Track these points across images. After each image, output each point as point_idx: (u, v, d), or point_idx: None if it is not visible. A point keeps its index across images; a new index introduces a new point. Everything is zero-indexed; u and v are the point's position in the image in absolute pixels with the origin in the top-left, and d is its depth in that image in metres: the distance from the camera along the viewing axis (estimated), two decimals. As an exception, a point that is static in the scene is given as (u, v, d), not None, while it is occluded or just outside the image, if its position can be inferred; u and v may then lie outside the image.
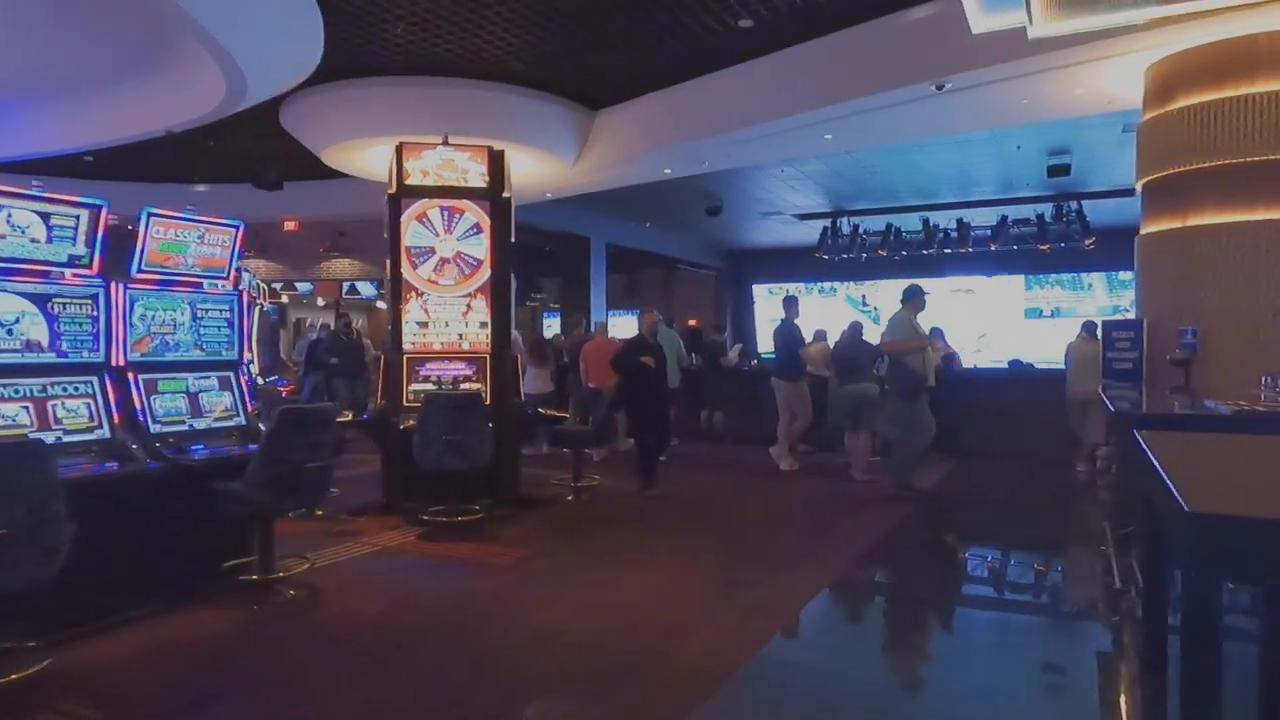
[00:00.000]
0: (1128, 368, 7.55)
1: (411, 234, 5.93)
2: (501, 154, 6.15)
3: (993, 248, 15.92)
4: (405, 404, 5.82)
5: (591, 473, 7.49)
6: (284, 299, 17.02)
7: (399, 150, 5.92)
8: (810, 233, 17.53)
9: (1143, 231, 7.96)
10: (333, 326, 12.77)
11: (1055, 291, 19.64)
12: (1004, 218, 15.70)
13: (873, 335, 8.62)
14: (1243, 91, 6.93)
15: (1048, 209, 15.39)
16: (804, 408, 8.17)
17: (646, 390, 6.89)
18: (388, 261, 6.09)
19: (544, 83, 9.85)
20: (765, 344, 20.19)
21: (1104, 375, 7.79)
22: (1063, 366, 8.56)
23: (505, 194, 6.14)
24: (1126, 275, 19.06)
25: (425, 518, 5.67)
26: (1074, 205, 15.22)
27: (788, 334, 8.09)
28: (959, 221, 16.11)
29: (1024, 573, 5.54)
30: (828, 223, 16.85)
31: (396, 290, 5.92)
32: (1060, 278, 19.41)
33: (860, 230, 16.77)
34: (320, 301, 17.86)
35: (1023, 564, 5.71)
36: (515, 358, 6.41)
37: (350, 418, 6.04)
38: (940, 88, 8.02)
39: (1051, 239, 15.43)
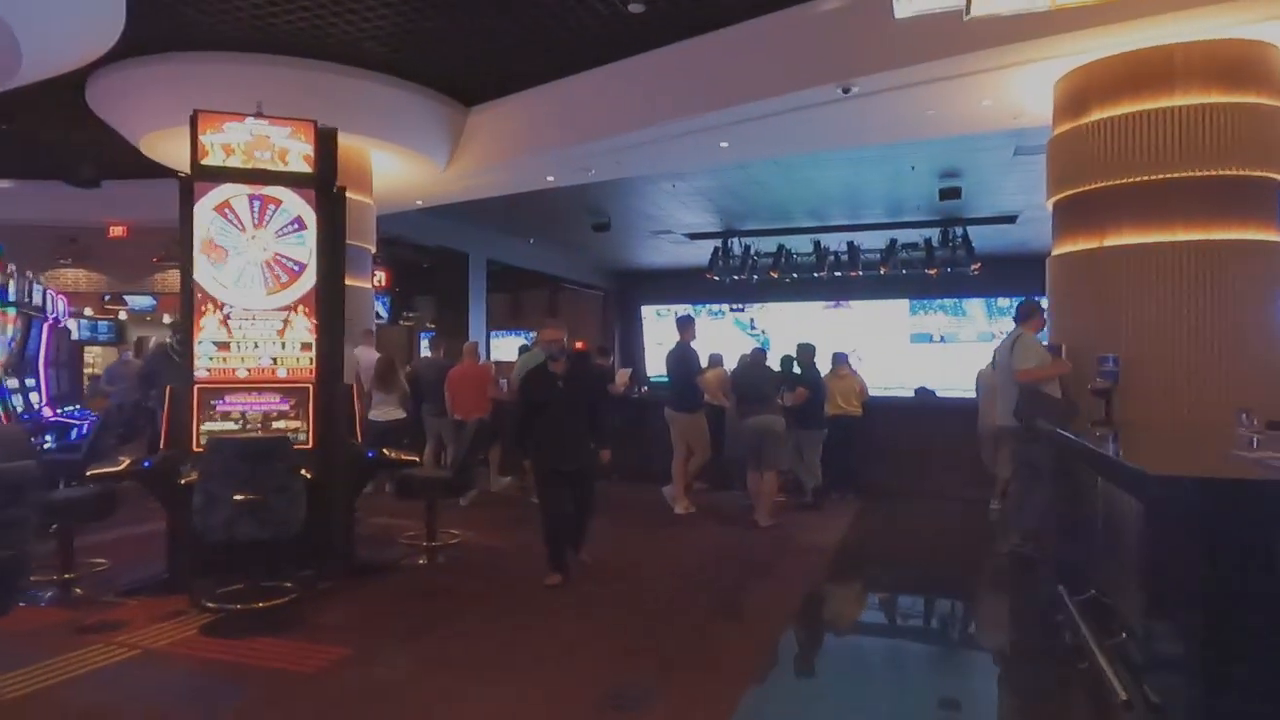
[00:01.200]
0: (1043, 399, 6.87)
1: (209, 228, 4.54)
2: (332, 134, 4.86)
3: (882, 271, 15.55)
4: (197, 448, 4.39)
5: (450, 528, 6.15)
6: (121, 315, 14.90)
7: (194, 120, 4.54)
8: (701, 253, 16.79)
9: (1055, 253, 7.38)
10: (166, 341, 10.92)
11: (939, 317, 19.64)
12: (893, 241, 15.37)
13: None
14: (1160, 105, 6.42)
15: (935, 234, 15.13)
16: (701, 442, 7.17)
17: (558, 431, 5.15)
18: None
19: (410, 71, 8.59)
20: (655, 368, 19.34)
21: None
22: (974, 395, 7.89)
23: (338, 184, 4.84)
24: (1005, 302, 19.29)
25: (211, 604, 4.22)
26: (960, 231, 15.01)
27: (683, 359, 7.08)
28: (849, 244, 15.69)
29: (986, 682, 4.22)
30: (719, 243, 16.13)
31: (188, 301, 4.51)
32: (944, 303, 19.42)
33: (752, 251, 16.12)
34: (166, 318, 15.77)
35: (982, 666, 4.43)
36: (351, 388, 5.08)
37: (124, 465, 4.56)
38: (847, 90, 7.25)
39: (938, 263, 15.16)
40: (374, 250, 9.87)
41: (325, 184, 4.77)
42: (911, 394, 10.80)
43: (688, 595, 4.91)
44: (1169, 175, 6.38)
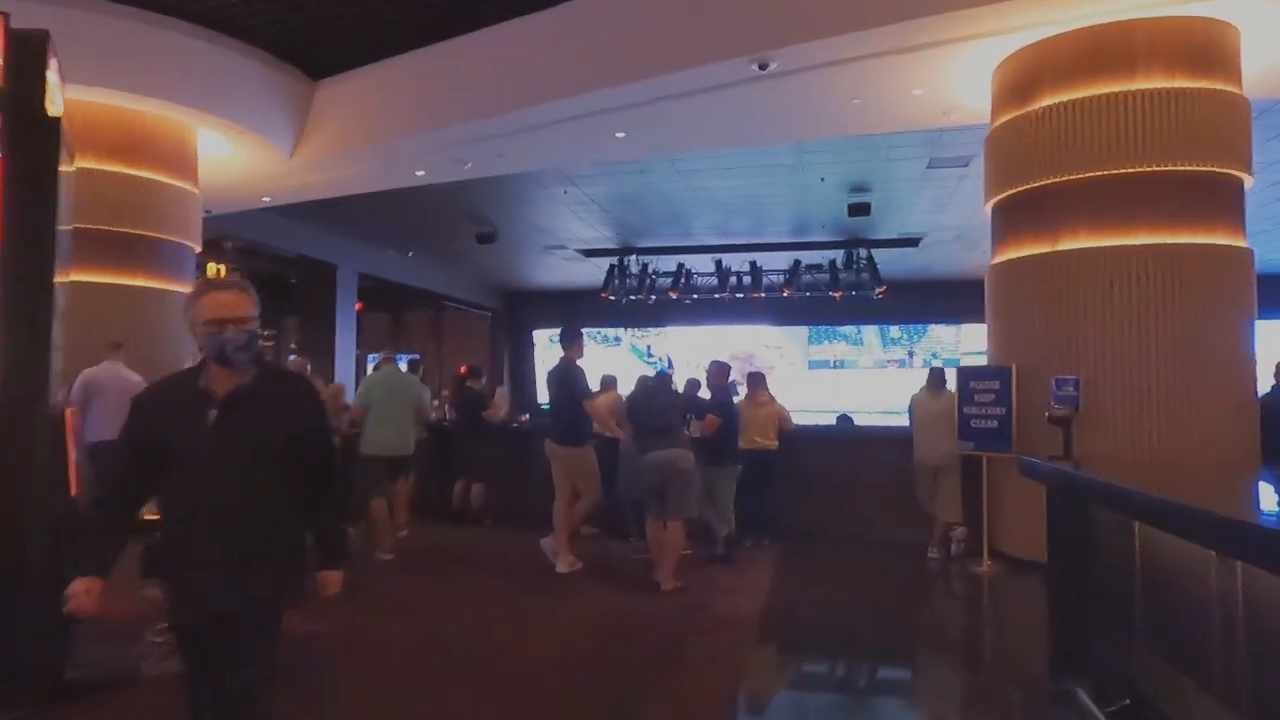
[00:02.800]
0: (992, 427, 5.81)
1: None
2: (42, 38, 3.23)
3: (786, 293, 14.59)
4: None
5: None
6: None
7: None
8: (597, 272, 15.44)
9: (996, 260, 6.37)
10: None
11: (839, 346, 18.97)
12: (797, 262, 14.45)
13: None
14: (1120, 88, 5.50)
15: (840, 256, 14.29)
16: (589, 481, 5.74)
17: (194, 515, 2.84)
18: None
19: (243, 29, 6.94)
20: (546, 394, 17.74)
21: (961, 435, 6.03)
22: (904, 425, 6.78)
23: (49, 109, 3.21)
24: (896, 332, 18.79)
25: None
26: (864, 253, 14.23)
27: (566, 379, 5.67)
28: (752, 265, 14.68)
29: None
30: (615, 260, 14.83)
31: None
32: (845, 330, 18.76)
33: (650, 270, 14.90)
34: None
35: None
36: (66, 415, 3.43)
37: None
38: (763, 67, 6.08)
39: (843, 286, 14.31)
40: (198, 249, 8.05)
41: (21, 107, 3.14)
42: (832, 422, 9.72)
43: (570, 710, 3.45)
44: (1133, 169, 5.44)
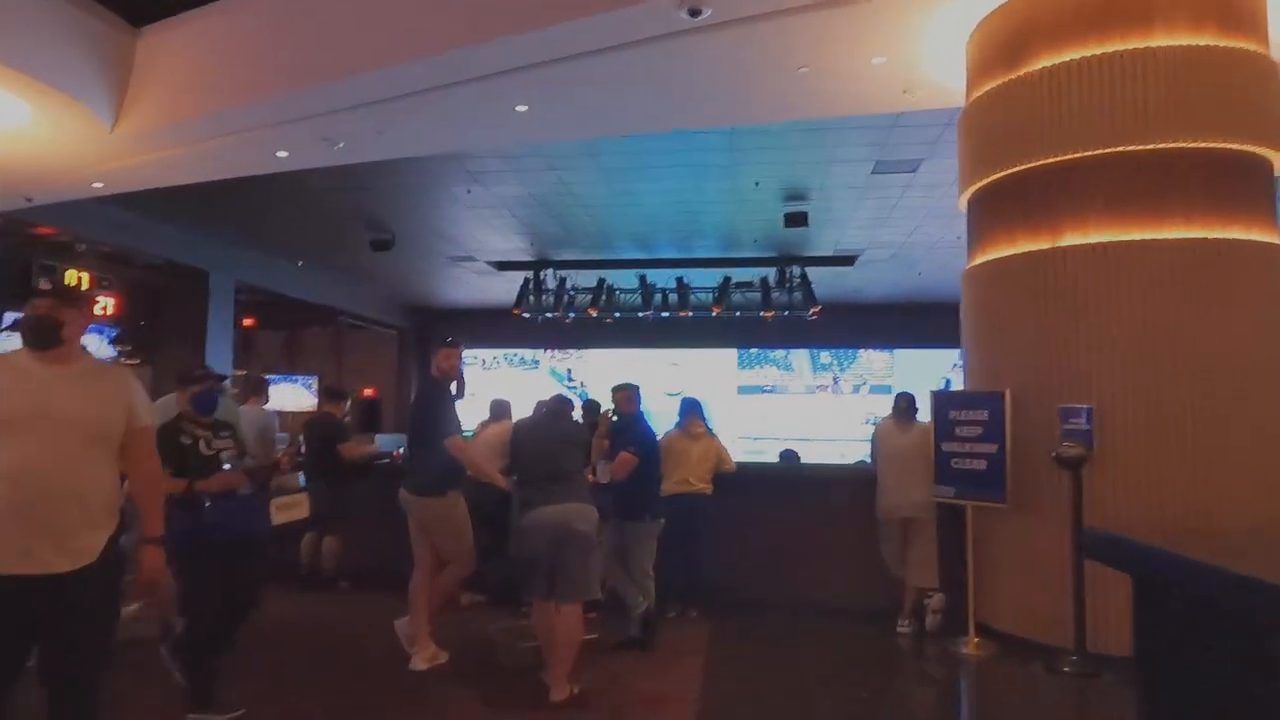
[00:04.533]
0: (978, 468, 4.51)
1: None
2: None
3: (715, 312, 13.31)
4: None
5: None
6: None
7: None
8: (511, 290, 13.88)
9: (975, 263, 5.13)
10: None
11: (769, 370, 17.80)
12: (727, 279, 13.20)
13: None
14: (1136, 45, 4.34)
15: (772, 273, 13.11)
16: (457, 544, 4.18)
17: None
18: None
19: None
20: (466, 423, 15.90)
21: (938, 480, 4.71)
22: (865, 461, 5.44)
23: None
24: (827, 358, 17.77)
25: None
26: (798, 271, 13.08)
27: (432, 406, 4.12)
28: (679, 281, 13.37)
29: None
30: (530, 274, 13.32)
31: None
32: (775, 354, 17.63)
33: (568, 285, 13.43)
34: None
35: None
36: None
37: None
38: (695, 13, 4.73)
39: (775, 306, 13.12)
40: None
41: None
42: (771, 458, 8.36)
43: None
44: (1154, 146, 4.26)
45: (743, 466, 5.65)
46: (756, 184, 9.36)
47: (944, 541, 4.74)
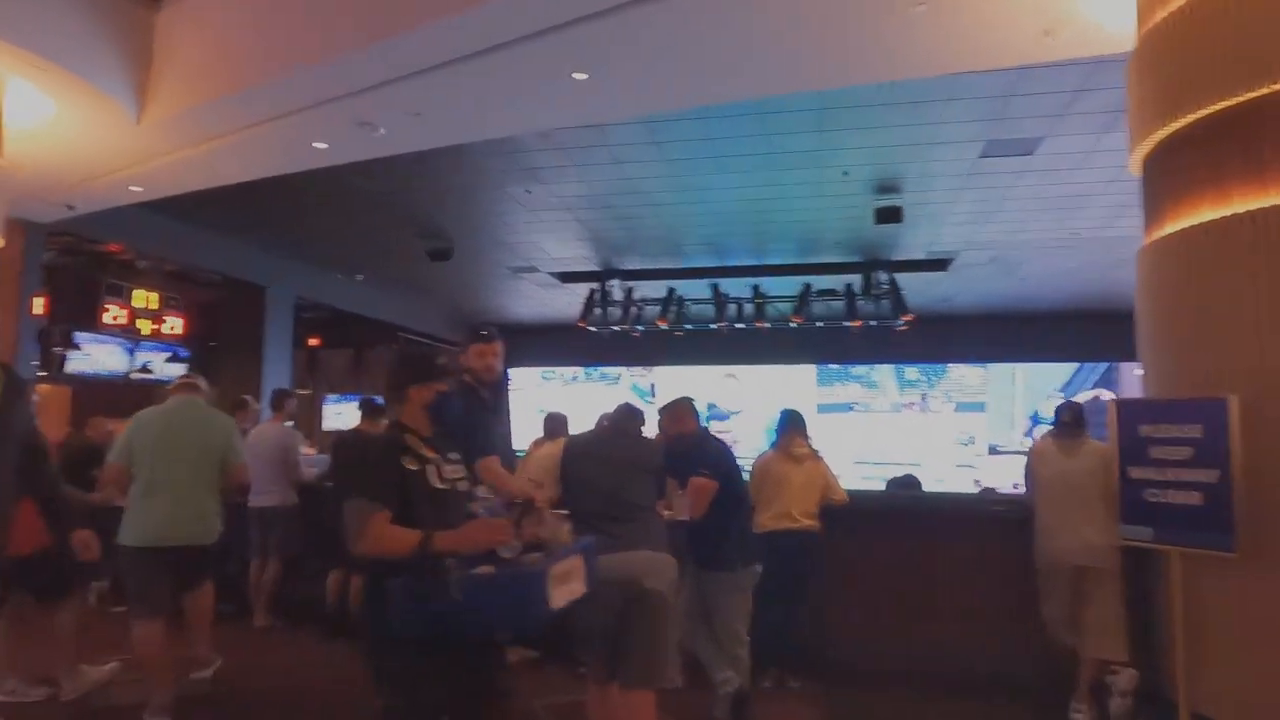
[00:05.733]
0: (1190, 503, 3.29)
1: None
2: None
3: (795, 323, 12.14)
4: None
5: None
6: None
7: None
8: (575, 303, 13.03)
9: (1159, 234, 3.93)
10: None
11: (852, 388, 16.47)
12: (807, 286, 12.05)
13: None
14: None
15: (856, 280, 11.91)
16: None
17: None
18: None
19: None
20: (522, 441, 15.03)
21: (1126, 517, 3.51)
22: (1014, 491, 4.26)
23: None
24: (914, 373, 16.36)
25: None
26: (885, 276, 11.83)
27: (460, 418, 3.16)
28: (754, 290, 12.27)
29: None
30: (595, 285, 12.42)
31: None
32: (858, 370, 16.31)
33: (635, 296, 12.48)
34: None
35: None
36: None
37: None
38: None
39: (862, 315, 11.88)
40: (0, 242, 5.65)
41: None
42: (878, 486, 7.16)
43: None
44: None
45: (853, 496, 4.51)
46: (845, 173, 8.25)
47: (1132, 600, 3.51)
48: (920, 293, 12.58)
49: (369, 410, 6.27)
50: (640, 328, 12.61)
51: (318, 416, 17.11)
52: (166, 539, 3.60)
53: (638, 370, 16.55)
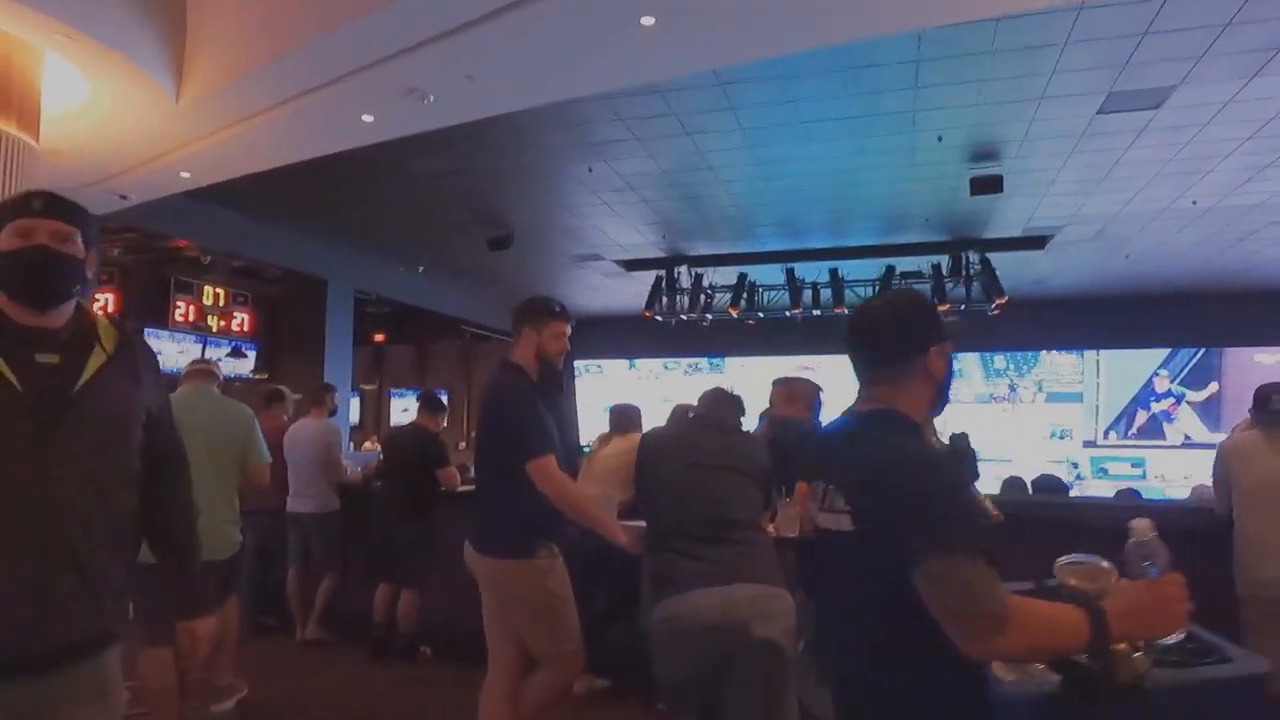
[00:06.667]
0: None
1: None
2: None
3: (876, 308, 11.21)
4: None
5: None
6: None
7: None
8: (641, 293, 12.40)
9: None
10: None
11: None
12: (890, 268, 11.16)
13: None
14: None
15: (944, 261, 10.96)
16: (552, 632, 2.55)
17: None
18: None
19: None
20: (590, 437, 14.42)
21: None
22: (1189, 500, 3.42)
23: None
24: (1001, 361, 15.22)
25: None
26: (977, 257, 10.86)
27: (511, 409, 2.55)
28: (832, 274, 11.43)
29: None
30: (662, 272, 11.76)
31: None
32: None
33: (705, 284, 11.78)
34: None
35: None
36: None
37: None
38: None
39: (951, 300, 10.92)
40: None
41: None
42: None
43: None
44: None
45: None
46: (940, 138, 7.39)
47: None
48: (1012, 275, 11.54)
49: (429, 404, 5.74)
50: (709, 316, 11.90)
51: (385, 412, 16.95)
52: None
53: (717, 362, 15.59)
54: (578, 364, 16.45)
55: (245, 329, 13.61)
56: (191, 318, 12.71)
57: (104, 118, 5.89)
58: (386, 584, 4.50)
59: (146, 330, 11.72)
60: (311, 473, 5.07)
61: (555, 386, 2.74)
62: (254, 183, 7.51)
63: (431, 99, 5.52)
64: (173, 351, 12.14)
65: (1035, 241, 10.72)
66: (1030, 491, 6.26)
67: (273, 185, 7.95)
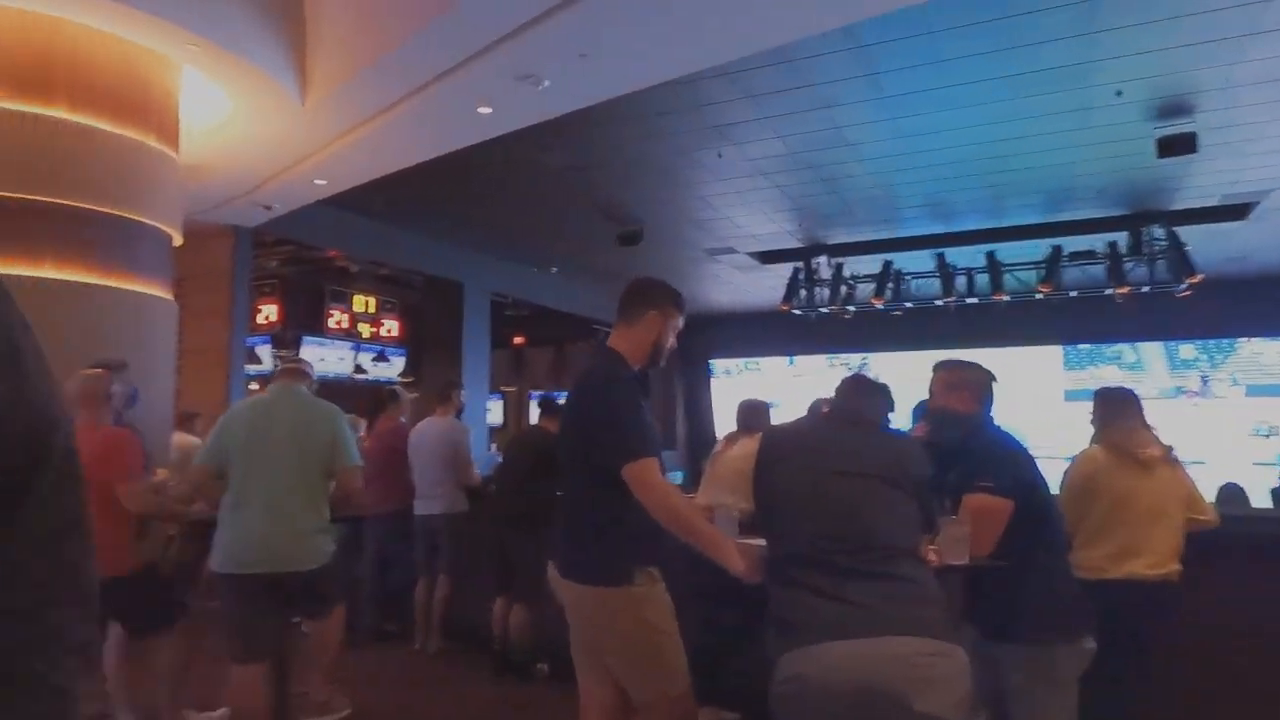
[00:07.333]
0: None
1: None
2: None
3: (1041, 293, 10.08)
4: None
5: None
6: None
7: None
8: (777, 286, 11.77)
9: None
10: None
11: (1107, 370, 13.74)
12: (1057, 249, 9.97)
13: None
14: None
15: (1122, 238, 9.66)
16: (657, 673, 2.10)
17: None
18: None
19: None
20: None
21: None
22: None
23: None
24: (1190, 350, 13.37)
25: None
26: (1160, 232, 9.50)
27: (607, 406, 2.15)
28: (989, 257, 10.36)
29: None
30: (799, 264, 11.09)
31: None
32: (1113, 350, 13.62)
33: (846, 274, 11.00)
34: None
35: None
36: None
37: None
38: None
39: (1131, 281, 9.62)
40: (173, 236, 5.45)
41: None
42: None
43: None
44: None
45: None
46: (1119, 93, 6.37)
47: None
48: (1204, 250, 10.03)
49: (550, 408, 5.46)
50: (851, 309, 11.11)
51: (525, 415, 17.15)
52: (254, 564, 2.86)
53: (863, 359, 14.62)
54: (714, 364, 15.99)
55: (394, 335, 14.13)
56: (345, 325, 13.31)
57: (239, 130, 6.04)
58: (503, 596, 4.22)
59: (305, 338, 12.33)
60: (438, 473, 4.90)
61: (646, 386, 2.31)
62: (390, 190, 7.60)
63: (546, 84, 5.25)
64: (333, 359, 12.75)
65: (1235, 211, 9.24)
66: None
67: (407, 192, 8.05)
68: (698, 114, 6.82)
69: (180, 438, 5.41)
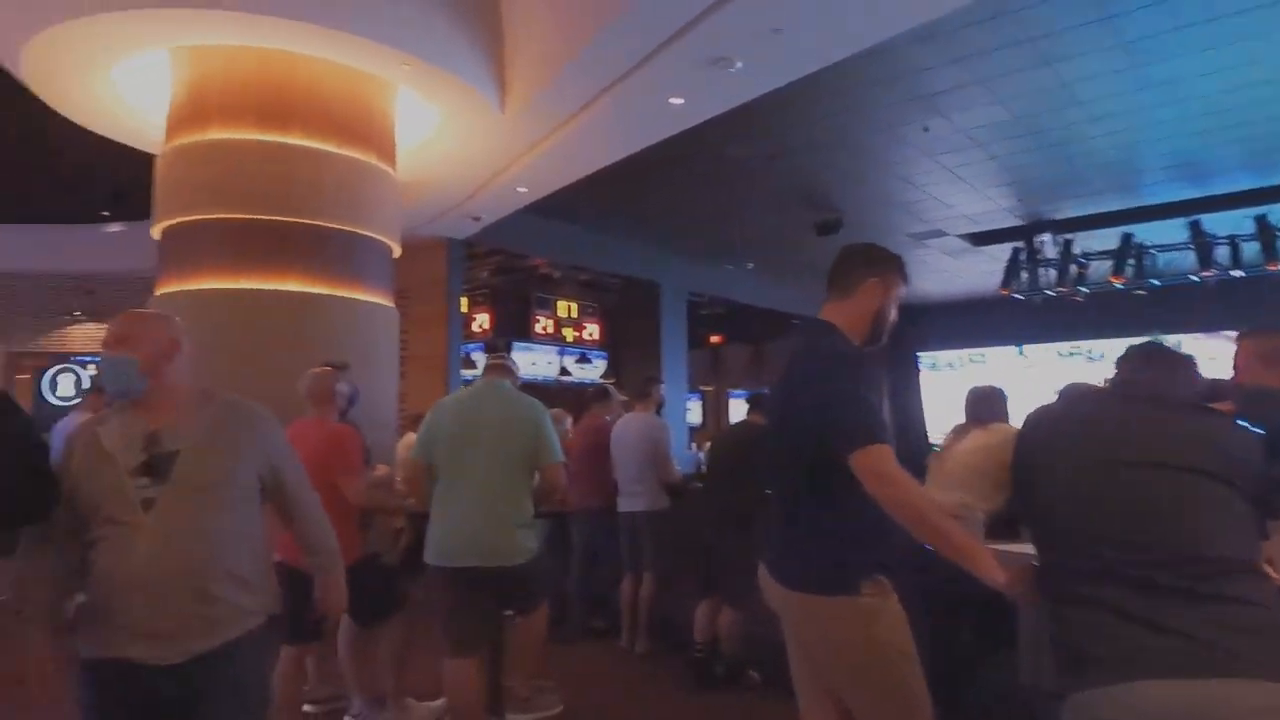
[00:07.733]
0: None
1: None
2: None
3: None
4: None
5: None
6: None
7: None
8: (994, 270, 10.74)
9: None
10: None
11: None
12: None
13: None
14: None
15: None
16: (889, 705, 1.76)
17: None
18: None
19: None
20: (941, 435, 12.71)
21: None
22: None
23: None
24: None
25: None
26: None
27: (826, 387, 1.87)
28: (1259, 221, 8.79)
29: None
30: (1020, 244, 10.03)
31: None
32: None
33: (1076, 251, 9.80)
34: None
35: None
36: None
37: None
38: None
39: None
40: (393, 248, 5.83)
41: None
42: None
43: None
44: None
45: None
46: None
47: None
48: None
49: (759, 403, 5.22)
50: (1084, 289, 9.87)
51: (723, 413, 17.02)
52: (460, 557, 2.87)
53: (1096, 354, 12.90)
54: (928, 356, 14.97)
55: (595, 338, 14.56)
56: (550, 330, 13.90)
57: (446, 144, 6.36)
58: (708, 600, 4.03)
59: (514, 343, 12.98)
60: (639, 469, 4.84)
61: (866, 365, 1.97)
62: (587, 194, 7.71)
63: (739, 65, 5.02)
64: (542, 363, 13.37)
65: None
66: None
67: (603, 195, 8.14)
68: (899, 85, 6.29)
69: (411, 437, 5.76)
